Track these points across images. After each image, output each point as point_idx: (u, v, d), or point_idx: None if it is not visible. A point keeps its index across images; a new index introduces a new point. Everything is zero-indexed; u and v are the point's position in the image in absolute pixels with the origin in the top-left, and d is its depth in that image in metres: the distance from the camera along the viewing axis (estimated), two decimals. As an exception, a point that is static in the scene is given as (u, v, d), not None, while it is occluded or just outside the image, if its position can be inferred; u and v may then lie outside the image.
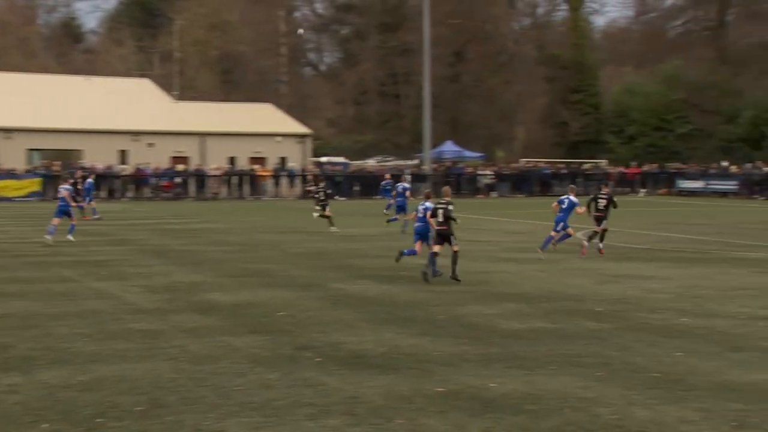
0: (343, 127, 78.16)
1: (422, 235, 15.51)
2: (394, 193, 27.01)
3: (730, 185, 48.62)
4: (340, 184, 50.64)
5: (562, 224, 18.33)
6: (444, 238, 14.79)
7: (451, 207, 14.93)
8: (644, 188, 52.84)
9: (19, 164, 44.26)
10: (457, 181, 50.29)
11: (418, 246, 15.63)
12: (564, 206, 18.39)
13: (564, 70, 71.40)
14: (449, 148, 60.48)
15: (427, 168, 52.93)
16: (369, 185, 50.67)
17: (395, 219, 25.04)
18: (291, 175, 49.50)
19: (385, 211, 27.99)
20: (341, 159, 59.09)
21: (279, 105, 64.28)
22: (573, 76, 70.62)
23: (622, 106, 67.49)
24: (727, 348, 9.54)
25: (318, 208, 25.64)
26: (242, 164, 50.35)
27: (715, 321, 11.16)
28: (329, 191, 27.48)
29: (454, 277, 14.49)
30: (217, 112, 55.32)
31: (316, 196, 26.15)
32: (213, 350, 9.21)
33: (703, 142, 62.19)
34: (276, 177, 48.79)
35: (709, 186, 49.69)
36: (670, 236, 23.83)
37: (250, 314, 11.47)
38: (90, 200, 29.73)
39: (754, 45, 66.28)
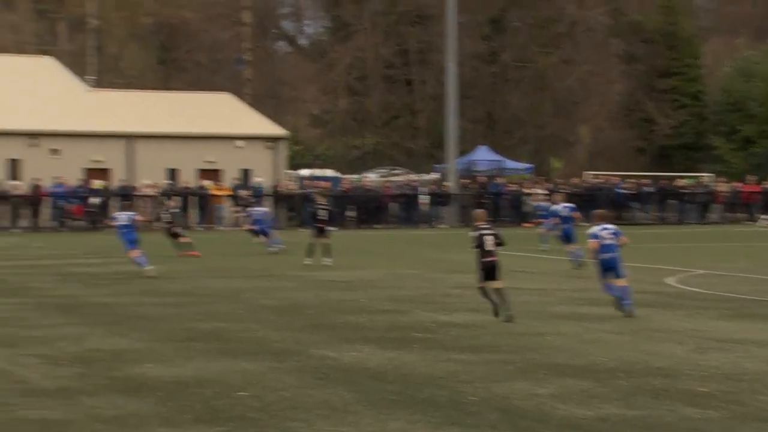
0: (333, 126, 78.56)
1: None
2: None
3: None
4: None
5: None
6: (494, 271, 17.33)
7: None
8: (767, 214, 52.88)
9: None
10: (494, 204, 50.44)
11: None
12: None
13: (649, 44, 71.68)
14: (484, 156, 60.78)
15: (452, 185, 53.09)
16: (369, 209, 50.83)
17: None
18: (257, 196, 49.71)
19: None
20: (329, 172, 59.35)
21: (240, 95, 64.69)
22: (663, 54, 70.87)
23: (734, 95, 67.50)
24: None
25: (315, 230, 28.62)
26: (187, 179, 50.58)
27: None
28: (332, 211, 31.46)
29: (509, 318, 17.22)
30: (152, 104, 55.71)
31: (318, 216, 28.94)
32: (142, 449, 9.30)
33: None
34: (236, 198, 48.99)
35: None
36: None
37: (198, 395, 11.52)
38: None
39: None
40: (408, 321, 17.65)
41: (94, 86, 58.58)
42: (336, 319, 17.84)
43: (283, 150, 55.08)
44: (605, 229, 18.17)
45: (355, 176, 59.27)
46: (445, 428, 10.11)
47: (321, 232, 28.92)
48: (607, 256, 17.87)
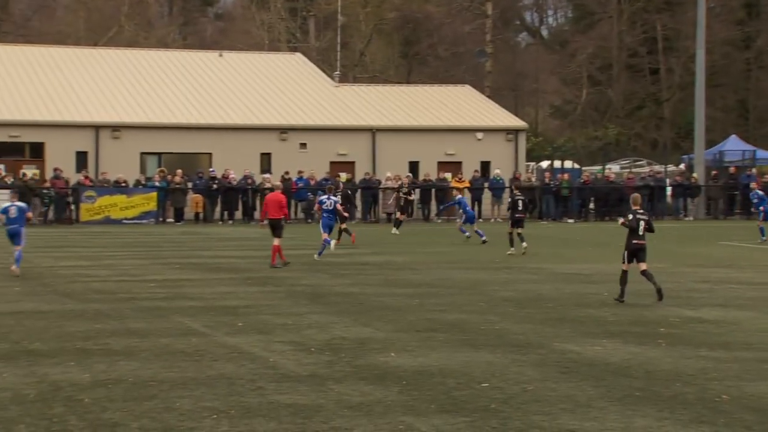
0: (574, 117, 77.67)
1: None
2: None
3: None
4: (568, 200, 50.36)
5: None
6: (639, 253, 18.72)
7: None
8: None
9: (130, 173, 47.20)
10: (743, 196, 48.49)
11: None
12: None
13: None
14: (734, 146, 58.51)
15: (698, 176, 51.48)
16: (610, 201, 49.99)
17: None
18: (494, 188, 49.78)
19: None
20: (570, 164, 58.71)
21: (481, 87, 64.93)
22: None
23: None
24: None
25: (512, 221, 29.93)
26: (428, 172, 51.12)
27: None
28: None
29: (660, 295, 18.64)
30: (394, 98, 56.60)
31: (517, 207, 30.04)
32: (388, 437, 9.45)
33: None
34: (474, 190, 49.20)
35: None
36: None
37: (440, 385, 11.65)
38: None
39: None
40: (652, 316, 17.32)
41: (340, 81, 60.04)
42: (577, 312, 17.69)
43: (522, 142, 54.81)
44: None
45: (596, 168, 58.41)
46: (695, 427, 9.90)
47: (518, 224, 29.77)
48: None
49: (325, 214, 28.63)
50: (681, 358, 13.45)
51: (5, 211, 23.63)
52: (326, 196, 29.13)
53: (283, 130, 51.29)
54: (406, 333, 15.42)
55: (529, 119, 60.31)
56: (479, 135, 53.66)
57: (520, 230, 29.69)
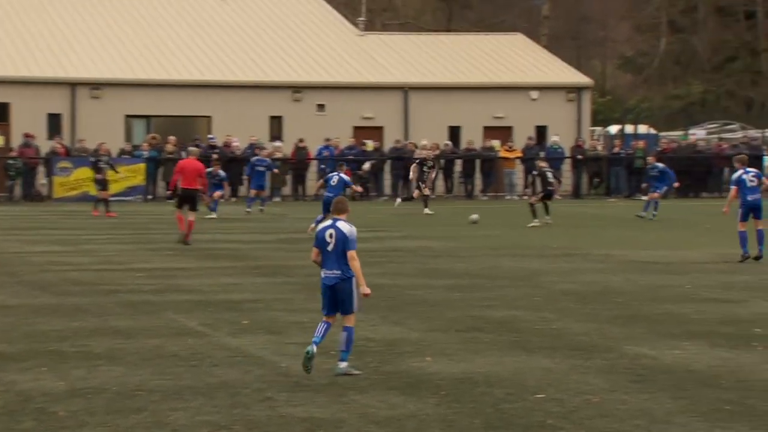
0: (651, 72, 77.27)
1: None
2: None
3: None
4: (642, 172, 50.08)
5: None
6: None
7: None
8: None
9: (113, 140, 47.23)
10: None
11: None
12: None
13: None
14: None
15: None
16: (695, 174, 49.77)
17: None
18: (552, 158, 49.53)
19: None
20: (645, 129, 58.50)
21: (536, 36, 64.64)
22: None
23: None
24: None
25: (543, 194, 32.86)
26: (471, 139, 51.03)
27: None
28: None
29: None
30: (431, 49, 56.52)
31: (547, 179, 33.03)
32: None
33: None
34: (527, 161, 49.05)
35: None
36: None
37: (486, 396, 11.67)
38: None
39: None
40: (746, 313, 17.26)
41: (365, 30, 59.94)
42: (653, 309, 17.63)
43: (587, 102, 54.60)
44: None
45: (677, 133, 58.12)
46: (794, 448, 9.89)
47: (548, 197, 33.04)
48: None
49: (330, 193, 29.60)
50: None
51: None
52: (336, 174, 30.85)
53: (297, 89, 51.36)
54: (444, 333, 15.44)
55: (594, 75, 60.06)
56: (534, 94, 53.51)
57: (548, 202, 33.00)
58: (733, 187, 23.99)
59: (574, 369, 13.06)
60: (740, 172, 23.91)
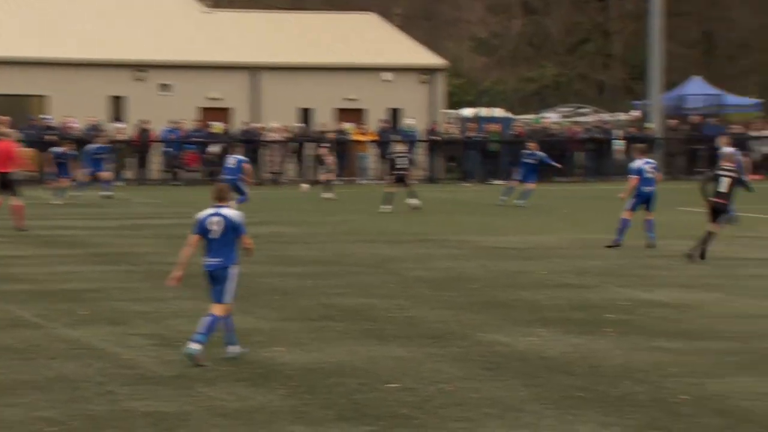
0: (504, 53, 78.08)
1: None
2: None
3: None
4: (497, 156, 50.63)
5: None
6: (717, 214, 21.18)
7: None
8: None
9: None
10: (710, 151, 49.37)
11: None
12: None
13: None
14: (698, 89, 59.60)
15: (655, 126, 52.27)
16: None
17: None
18: (407, 141, 49.75)
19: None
20: (498, 112, 59.10)
21: (389, 16, 64.81)
22: None
23: None
24: None
25: (394, 180, 33.48)
26: (323, 121, 51.02)
27: None
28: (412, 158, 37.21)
29: (702, 255, 21.20)
30: (281, 28, 56.33)
31: (396, 165, 33.70)
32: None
33: None
34: (381, 144, 49.20)
35: None
36: None
37: (339, 387, 11.66)
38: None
39: None
40: (599, 299, 17.55)
41: (211, 7, 59.49)
42: (508, 295, 17.82)
43: (442, 84, 54.99)
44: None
45: (531, 117, 58.85)
46: (653, 435, 10.04)
47: (401, 182, 33.47)
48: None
49: (229, 175, 30.90)
50: (632, 350, 13.61)
51: None
52: (232, 156, 32.51)
53: (140, 68, 50.79)
54: (296, 322, 15.42)
55: (449, 56, 60.41)
56: (387, 75, 53.71)
57: (405, 188, 33.26)
58: (635, 177, 24.09)
59: (429, 357, 13.11)
60: (640, 162, 24.31)
